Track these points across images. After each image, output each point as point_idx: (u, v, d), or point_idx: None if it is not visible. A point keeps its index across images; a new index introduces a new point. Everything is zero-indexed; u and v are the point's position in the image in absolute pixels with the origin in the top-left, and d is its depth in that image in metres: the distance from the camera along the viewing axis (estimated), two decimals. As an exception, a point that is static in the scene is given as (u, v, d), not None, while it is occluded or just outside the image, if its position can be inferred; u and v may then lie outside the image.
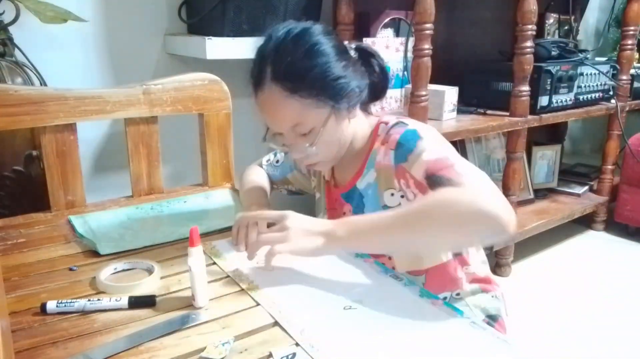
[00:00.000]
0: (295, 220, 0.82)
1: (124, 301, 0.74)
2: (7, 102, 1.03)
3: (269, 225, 0.89)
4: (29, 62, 1.37)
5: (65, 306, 0.73)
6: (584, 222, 2.52)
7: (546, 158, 2.56)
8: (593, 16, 3.25)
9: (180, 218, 1.09)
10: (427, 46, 1.54)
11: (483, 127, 1.81)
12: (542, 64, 1.96)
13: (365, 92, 0.92)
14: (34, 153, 1.24)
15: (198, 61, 1.58)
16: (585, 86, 2.18)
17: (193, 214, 1.11)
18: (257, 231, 0.90)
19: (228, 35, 1.53)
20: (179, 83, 1.23)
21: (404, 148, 0.86)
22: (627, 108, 2.41)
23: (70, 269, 0.86)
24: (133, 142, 1.21)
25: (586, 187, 2.58)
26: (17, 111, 1.04)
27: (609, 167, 2.50)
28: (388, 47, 1.80)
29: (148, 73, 1.67)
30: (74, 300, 0.74)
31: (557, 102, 2.06)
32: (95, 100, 1.13)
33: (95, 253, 0.91)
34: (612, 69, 2.28)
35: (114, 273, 0.85)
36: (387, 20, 1.83)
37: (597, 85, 2.24)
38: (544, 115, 2.01)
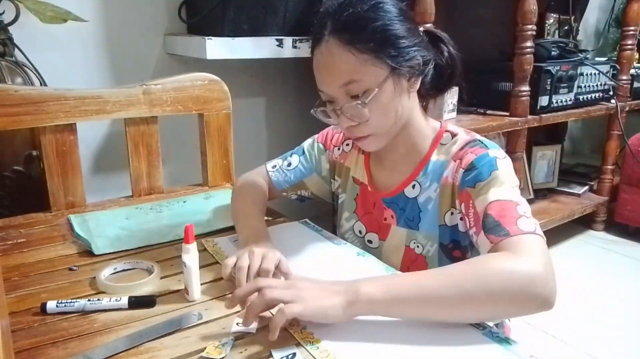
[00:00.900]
0: (306, 279, 0.73)
1: (124, 301, 0.74)
2: (7, 102, 1.03)
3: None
4: (29, 62, 1.36)
5: (65, 306, 0.73)
6: (584, 222, 2.52)
7: (546, 158, 2.56)
8: (593, 16, 3.24)
9: (180, 218, 1.09)
10: (427, 46, 1.54)
11: (483, 127, 1.81)
12: (542, 64, 1.96)
13: (431, 69, 0.86)
14: (34, 153, 1.24)
15: (198, 61, 1.58)
16: (585, 86, 2.18)
17: (192, 214, 1.11)
18: (258, 283, 0.70)
19: (228, 35, 1.53)
20: (179, 83, 1.23)
21: (476, 174, 0.80)
22: (627, 108, 2.41)
23: (70, 269, 0.86)
24: (133, 142, 1.21)
25: (586, 187, 2.58)
26: (17, 111, 1.04)
27: (609, 167, 2.50)
28: (388, 47, 1.79)
29: (148, 73, 1.67)
30: (74, 300, 0.74)
31: (557, 102, 2.05)
32: (95, 100, 1.13)
33: (95, 253, 0.91)
34: (612, 69, 2.28)
35: (114, 273, 0.85)
36: (387, 20, 1.83)
37: (597, 85, 2.24)
38: (544, 115, 2.01)
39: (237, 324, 0.69)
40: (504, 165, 0.81)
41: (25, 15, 1.33)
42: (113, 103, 1.16)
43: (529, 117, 1.94)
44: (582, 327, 1.75)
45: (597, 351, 1.63)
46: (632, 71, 2.39)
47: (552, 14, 2.49)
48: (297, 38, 1.63)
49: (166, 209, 1.14)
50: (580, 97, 2.17)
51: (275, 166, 1.08)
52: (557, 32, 2.53)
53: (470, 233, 0.80)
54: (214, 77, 1.28)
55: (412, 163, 0.91)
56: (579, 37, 2.78)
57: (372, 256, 0.90)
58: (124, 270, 0.86)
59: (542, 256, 0.69)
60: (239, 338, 0.67)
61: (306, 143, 1.09)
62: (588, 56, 2.24)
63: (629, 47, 2.31)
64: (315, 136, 1.10)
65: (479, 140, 0.85)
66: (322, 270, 0.85)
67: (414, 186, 0.90)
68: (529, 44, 1.83)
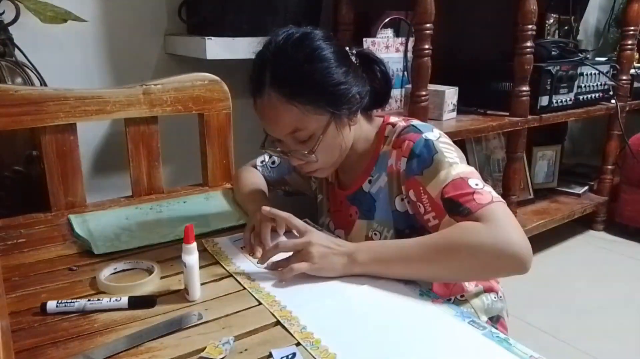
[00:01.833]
0: (319, 237, 0.83)
1: (124, 301, 0.74)
2: (7, 102, 1.03)
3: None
4: (29, 62, 1.36)
5: (65, 306, 0.73)
6: (584, 222, 2.52)
7: (546, 158, 2.56)
8: (593, 16, 3.24)
9: (179, 218, 1.09)
10: (427, 46, 1.54)
11: (483, 127, 1.81)
12: (542, 64, 1.96)
13: (367, 98, 0.91)
14: (34, 153, 1.24)
15: (198, 61, 1.57)
16: (585, 86, 2.18)
17: (192, 214, 1.11)
18: (272, 235, 0.89)
19: (228, 35, 1.53)
20: (179, 84, 1.23)
21: (419, 160, 0.85)
22: (627, 108, 2.41)
23: (70, 269, 0.86)
24: (133, 142, 1.21)
25: (586, 187, 2.58)
26: (17, 111, 1.04)
27: (609, 167, 2.49)
28: (388, 47, 1.80)
29: (148, 73, 1.67)
30: (74, 300, 0.74)
31: (557, 102, 2.05)
32: (95, 100, 1.13)
33: (95, 253, 0.91)
34: (612, 69, 2.28)
35: (114, 273, 0.85)
36: (387, 20, 1.83)
37: (597, 85, 2.24)
38: (544, 115, 2.01)
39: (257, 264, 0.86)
40: (441, 145, 0.86)
41: (25, 15, 1.33)
42: (113, 103, 1.15)
43: (529, 117, 1.94)
44: (582, 327, 1.75)
45: (597, 351, 1.63)
46: (632, 71, 2.39)
47: (552, 14, 2.48)
48: (297, 38, 1.63)
49: (166, 209, 1.14)
50: (581, 97, 2.17)
51: (263, 161, 1.19)
52: (557, 32, 2.53)
53: (428, 217, 0.85)
54: (214, 77, 1.28)
55: (365, 161, 0.97)
56: (579, 37, 2.77)
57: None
58: (124, 270, 0.86)
59: (509, 221, 0.76)
60: (239, 338, 0.67)
61: None
62: (588, 56, 2.24)
63: (629, 47, 2.31)
64: None
65: (413, 125, 0.90)
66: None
67: (370, 182, 0.96)
68: (529, 44, 1.83)
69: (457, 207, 0.79)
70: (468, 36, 2.21)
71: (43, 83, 1.35)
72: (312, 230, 0.84)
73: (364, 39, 1.73)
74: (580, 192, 2.53)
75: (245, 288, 0.79)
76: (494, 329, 0.69)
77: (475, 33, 2.25)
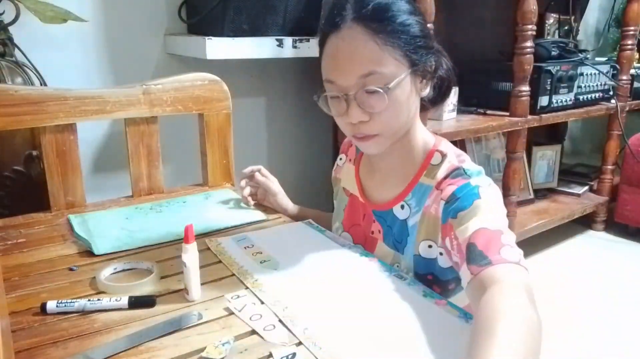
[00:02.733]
0: None
1: (124, 301, 0.74)
2: (7, 102, 1.03)
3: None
4: (29, 62, 1.36)
5: (65, 306, 0.73)
6: (584, 222, 2.52)
7: (546, 158, 2.56)
8: (593, 16, 3.24)
9: (180, 218, 1.09)
10: (427, 46, 1.54)
11: (483, 127, 1.81)
12: (542, 64, 1.96)
13: (436, 76, 0.84)
14: (34, 153, 1.24)
15: (198, 61, 1.58)
16: (585, 86, 2.18)
17: (192, 214, 1.11)
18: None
19: (228, 35, 1.53)
20: (179, 83, 1.23)
21: (457, 204, 0.76)
22: (627, 108, 2.42)
23: (70, 269, 0.86)
24: (133, 142, 1.21)
25: (586, 187, 2.59)
26: (17, 111, 1.04)
27: (609, 167, 2.50)
28: (388, 47, 1.79)
29: (148, 73, 1.67)
30: (74, 300, 0.74)
31: (557, 102, 2.06)
32: (95, 100, 1.13)
33: (95, 253, 0.91)
34: (612, 69, 2.28)
35: (114, 273, 0.85)
36: (387, 20, 1.83)
37: (597, 85, 2.24)
38: (544, 115, 2.01)
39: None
40: (488, 193, 0.77)
41: (25, 15, 1.33)
42: (113, 103, 1.15)
43: (529, 117, 1.94)
44: (582, 327, 1.75)
45: (597, 351, 1.63)
46: (632, 71, 2.39)
47: (552, 14, 2.49)
48: (297, 38, 1.63)
49: (166, 209, 1.14)
50: (580, 97, 2.17)
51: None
52: (557, 32, 2.53)
53: (457, 264, 0.75)
54: (214, 77, 1.28)
55: (403, 180, 0.88)
56: (579, 37, 2.78)
57: (375, 257, 0.90)
58: (124, 270, 0.86)
59: (528, 293, 0.62)
60: (239, 338, 0.67)
61: None
62: (588, 56, 2.24)
63: (629, 47, 2.31)
64: None
65: (463, 169, 0.81)
66: (325, 270, 0.85)
67: (402, 207, 0.87)
68: (529, 44, 1.83)
69: (478, 256, 0.69)
70: (468, 36, 2.22)
71: (43, 83, 1.35)
72: None
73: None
74: (580, 192, 2.53)
75: (248, 288, 0.79)
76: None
77: (475, 33, 2.25)
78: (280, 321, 0.70)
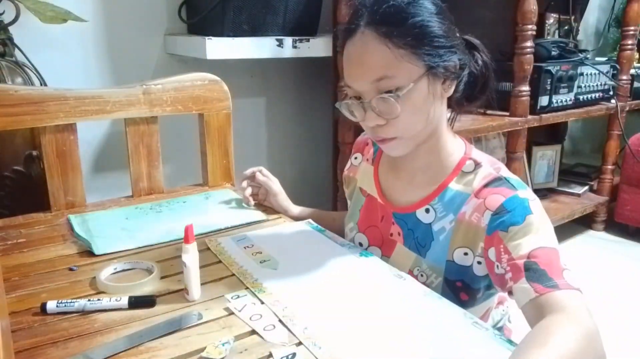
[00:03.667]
0: None
1: (124, 301, 0.74)
2: (7, 102, 1.03)
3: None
4: (29, 62, 1.37)
5: (65, 306, 0.73)
6: (584, 222, 2.52)
7: (546, 158, 2.56)
8: (593, 16, 3.25)
9: (180, 218, 1.09)
10: (427, 46, 1.54)
11: (483, 127, 1.81)
12: (542, 64, 1.96)
13: (465, 75, 0.83)
14: (34, 153, 1.24)
15: (198, 61, 1.58)
16: (585, 86, 2.18)
17: (192, 214, 1.11)
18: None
19: (228, 35, 1.53)
20: (179, 83, 1.23)
21: (509, 217, 0.75)
22: (627, 108, 2.42)
23: (70, 269, 0.86)
24: (133, 142, 1.21)
25: (586, 187, 2.59)
26: (17, 111, 1.04)
27: (609, 167, 2.50)
28: (388, 47, 1.80)
29: (148, 73, 1.67)
30: (74, 300, 0.74)
31: (557, 102, 2.06)
32: (95, 100, 1.13)
33: (95, 253, 0.91)
34: (612, 69, 2.28)
35: (114, 273, 0.85)
36: (387, 20, 1.83)
37: (597, 85, 2.24)
38: (544, 115, 2.01)
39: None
40: (538, 208, 0.76)
41: (25, 15, 1.33)
42: (113, 103, 1.15)
43: (529, 117, 1.94)
44: (582, 327, 1.75)
45: (597, 351, 1.63)
46: (632, 71, 2.39)
47: (552, 14, 2.49)
48: (297, 38, 1.63)
49: (166, 209, 1.14)
50: (580, 97, 2.17)
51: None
52: (557, 32, 2.53)
53: (505, 277, 0.74)
54: (214, 77, 1.28)
55: (429, 183, 0.86)
56: (579, 37, 2.78)
57: (375, 256, 0.90)
58: (124, 270, 0.86)
59: (591, 318, 0.68)
60: (239, 338, 0.67)
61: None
62: (588, 56, 2.25)
63: (629, 47, 2.31)
64: None
65: (505, 179, 0.80)
66: (325, 270, 0.85)
67: (427, 211, 0.86)
68: (529, 44, 1.83)
69: (542, 276, 0.69)
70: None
71: (43, 83, 1.35)
72: None
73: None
74: (580, 192, 2.53)
75: (247, 288, 0.79)
76: (497, 332, 0.69)
77: (475, 33, 2.25)
78: (280, 321, 0.70)
